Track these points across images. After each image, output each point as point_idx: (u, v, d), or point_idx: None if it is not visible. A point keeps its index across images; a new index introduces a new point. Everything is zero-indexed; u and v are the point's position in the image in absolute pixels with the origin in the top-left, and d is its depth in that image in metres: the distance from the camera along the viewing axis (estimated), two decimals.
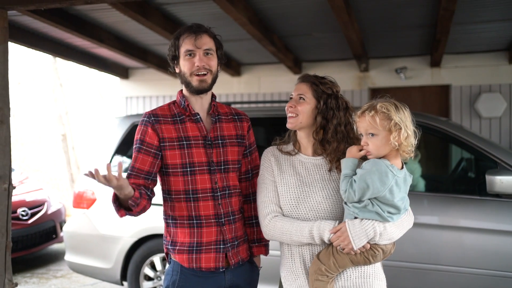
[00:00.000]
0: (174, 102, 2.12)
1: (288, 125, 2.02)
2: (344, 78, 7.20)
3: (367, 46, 6.39)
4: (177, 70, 2.09)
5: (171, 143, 2.00)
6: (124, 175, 1.86)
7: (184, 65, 2.02)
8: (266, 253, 2.24)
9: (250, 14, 4.79)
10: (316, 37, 5.95)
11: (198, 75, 1.99)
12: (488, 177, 3.23)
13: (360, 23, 5.25)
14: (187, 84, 2.04)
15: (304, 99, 1.98)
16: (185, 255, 2.00)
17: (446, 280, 3.33)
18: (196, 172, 1.99)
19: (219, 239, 2.01)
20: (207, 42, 2.02)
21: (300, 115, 1.97)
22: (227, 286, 2.04)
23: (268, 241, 2.22)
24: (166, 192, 2.06)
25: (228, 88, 7.77)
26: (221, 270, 2.02)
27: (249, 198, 2.21)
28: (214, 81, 2.07)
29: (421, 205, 3.48)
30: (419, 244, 3.39)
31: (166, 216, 2.08)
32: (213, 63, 2.04)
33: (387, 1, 4.62)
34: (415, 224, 3.29)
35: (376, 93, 6.69)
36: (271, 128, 4.27)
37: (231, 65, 7.32)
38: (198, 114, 2.06)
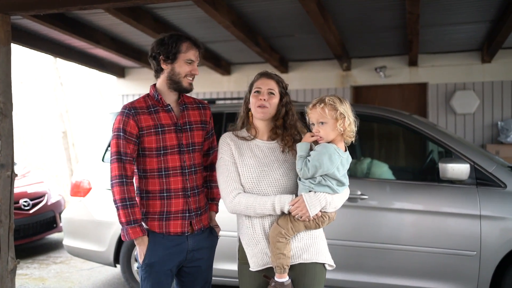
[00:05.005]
0: (148, 95, 2.48)
1: (260, 115, 2.32)
2: (328, 76, 7.56)
3: (348, 47, 6.73)
4: (164, 66, 2.39)
5: (149, 130, 2.36)
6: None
7: (181, 67, 2.39)
8: (216, 210, 2.65)
9: (234, 17, 5.12)
10: (298, 38, 6.29)
11: (190, 79, 2.41)
12: (441, 165, 3.52)
13: (338, 25, 5.58)
14: (176, 83, 2.41)
15: (273, 93, 2.33)
16: (156, 222, 2.39)
17: (404, 258, 3.63)
18: (168, 154, 2.38)
19: (185, 209, 2.41)
20: (199, 57, 2.45)
21: (271, 107, 2.31)
22: (189, 249, 2.43)
23: (218, 199, 2.62)
24: (141, 171, 2.42)
25: (219, 86, 8.12)
26: (186, 234, 2.41)
27: (208, 168, 2.64)
28: None
29: (384, 191, 3.78)
30: (381, 226, 3.70)
31: (140, 191, 2.44)
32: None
33: (360, 4, 4.96)
34: (379, 208, 3.68)
35: (358, 90, 7.06)
36: None
37: (221, 64, 7.66)
38: (170, 105, 2.44)
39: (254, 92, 2.34)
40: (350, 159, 2.28)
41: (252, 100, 2.33)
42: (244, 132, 2.42)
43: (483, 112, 7.03)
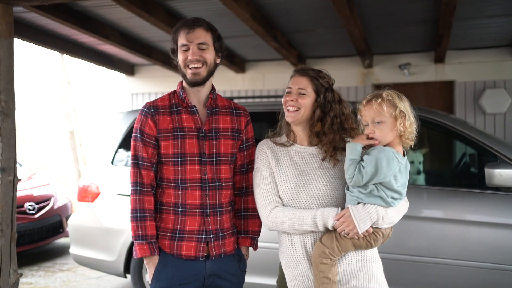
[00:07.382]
0: (174, 92, 2.16)
1: (289, 119, 2.05)
2: (348, 74, 7.23)
3: (371, 42, 6.40)
4: (177, 63, 2.13)
5: (166, 134, 2.05)
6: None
7: (179, 58, 2.07)
8: (252, 245, 2.22)
9: (253, 9, 4.82)
10: (319, 33, 5.97)
11: (191, 68, 2.03)
12: (487, 170, 3.25)
13: (363, 18, 5.26)
14: (184, 76, 2.09)
15: (305, 93, 2.01)
16: (167, 241, 2.05)
17: (445, 273, 3.34)
18: (186, 162, 2.03)
19: (201, 229, 2.04)
20: (201, 36, 2.03)
21: (302, 109, 2.01)
22: (207, 274, 2.06)
23: (257, 234, 2.23)
24: (159, 179, 2.10)
25: (233, 84, 7.82)
26: (200, 259, 2.05)
27: (242, 191, 2.22)
28: (210, 73, 2.09)
29: (422, 198, 3.50)
30: (419, 238, 3.41)
31: (155, 202, 2.10)
32: (208, 55, 2.05)
33: None
34: (416, 218, 3.37)
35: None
36: (275, 122, 4.32)
37: (236, 61, 7.35)
38: (195, 106, 2.10)
39: (286, 92, 2.07)
40: (409, 166, 1.96)
41: (283, 101, 2.07)
42: (283, 138, 2.13)
43: None
